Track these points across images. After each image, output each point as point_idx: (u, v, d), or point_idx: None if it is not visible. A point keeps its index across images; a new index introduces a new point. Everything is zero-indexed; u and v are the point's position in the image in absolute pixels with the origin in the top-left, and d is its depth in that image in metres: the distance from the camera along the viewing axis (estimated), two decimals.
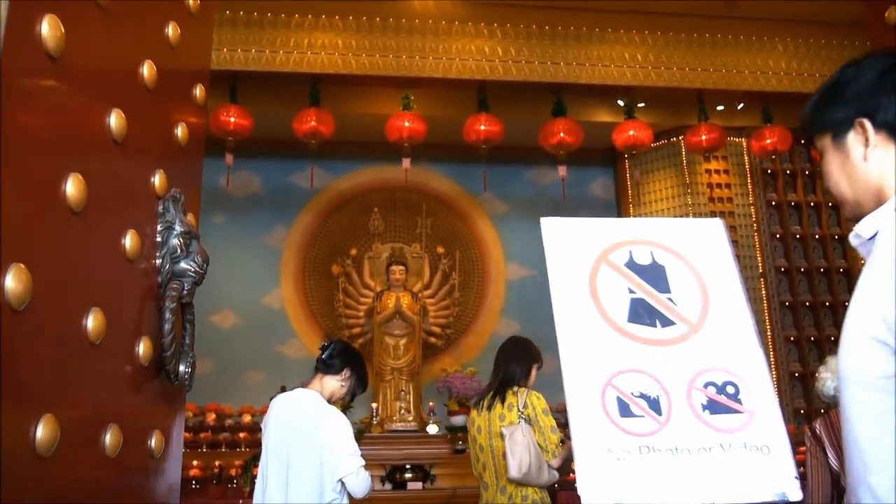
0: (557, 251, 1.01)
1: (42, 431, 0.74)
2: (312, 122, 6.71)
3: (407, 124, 6.79)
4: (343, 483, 3.00)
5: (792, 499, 0.89)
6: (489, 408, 3.28)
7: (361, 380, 3.28)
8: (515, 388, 3.27)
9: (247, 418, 7.00)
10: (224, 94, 6.83)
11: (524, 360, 3.37)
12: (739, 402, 0.94)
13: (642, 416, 0.91)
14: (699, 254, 1.06)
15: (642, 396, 0.92)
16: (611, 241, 1.04)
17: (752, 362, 0.98)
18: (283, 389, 7.24)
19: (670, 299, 1.01)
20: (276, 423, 3.13)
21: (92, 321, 0.87)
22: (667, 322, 0.99)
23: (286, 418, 3.15)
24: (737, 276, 1.05)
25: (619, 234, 1.05)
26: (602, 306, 0.98)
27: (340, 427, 3.07)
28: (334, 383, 3.21)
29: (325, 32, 6.90)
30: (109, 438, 0.93)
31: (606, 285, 1.00)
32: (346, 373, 3.22)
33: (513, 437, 3.07)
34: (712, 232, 1.09)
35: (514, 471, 3.00)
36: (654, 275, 1.03)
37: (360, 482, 3.01)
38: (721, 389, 0.94)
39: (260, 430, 6.79)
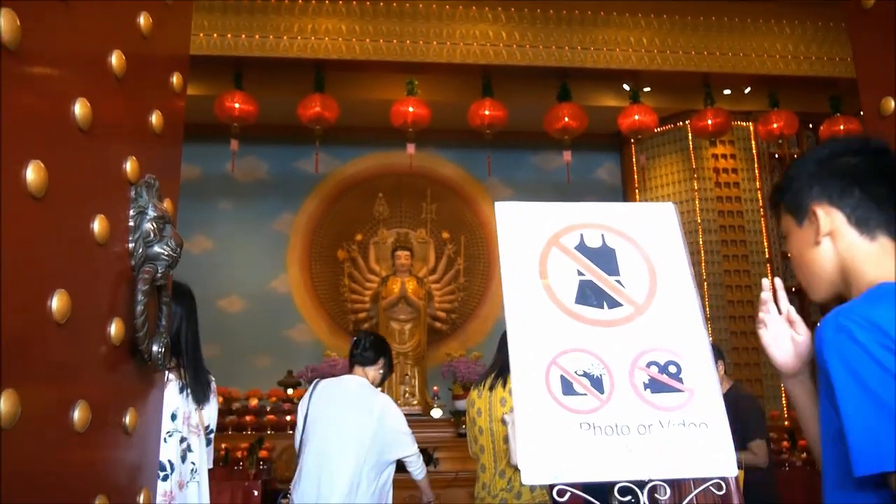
0: (509, 234, 1.04)
1: (3, 405, 0.78)
2: (317, 108, 6.74)
3: (411, 109, 6.81)
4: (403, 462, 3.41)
5: (728, 475, 0.92)
6: (490, 388, 3.29)
7: (390, 365, 3.64)
8: None
9: (253, 402, 7.08)
10: (229, 80, 6.86)
11: None
12: (681, 381, 0.97)
13: (584, 394, 0.93)
14: (650, 237, 1.09)
15: (585, 375, 0.95)
16: (563, 225, 1.07)
17: (695, 343, 1.00)
18: (290, 374, 7.38)
19: (619, 281, 1.04)
20: (323, 401, 3.35)
21: (56, 302, 0.90)
22: (614, 303, 1.01)
23: (334, 396, 3.37)
24: (685, 259, 1.07)
25: (571, 218, 1.08)
26: (551, 288, 1.01)
27: (398, 411, 3.44)
28: (373, 373, 3.49)
29: (329, 18, 6.90)
30: (77, 414, 0.97)
31: (556, 267, 1.02)
32: (381, 362, 3.53)
33: (515, 423, 3.09)
34: (664, 216, 1.11)
35: (517, 457, 3.02)
36: (604, 257, 1.05)
37: (422, 463, 3.51)
38: (663, 369, 0.97)
39: (266, 412, 6.87)
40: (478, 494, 3.24)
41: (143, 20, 1.22)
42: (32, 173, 0.84)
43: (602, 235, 1.08)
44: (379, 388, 3.56)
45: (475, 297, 8.39)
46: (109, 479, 1.11)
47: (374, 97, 7.49)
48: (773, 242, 8.13)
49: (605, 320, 1.00)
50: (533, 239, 1.05)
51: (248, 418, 6.82)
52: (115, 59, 1.10)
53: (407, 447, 3.40)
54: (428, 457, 6.32)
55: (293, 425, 6.89)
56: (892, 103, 1.62)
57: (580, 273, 1.04)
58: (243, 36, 6.78)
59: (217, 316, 7.62)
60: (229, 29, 6.73)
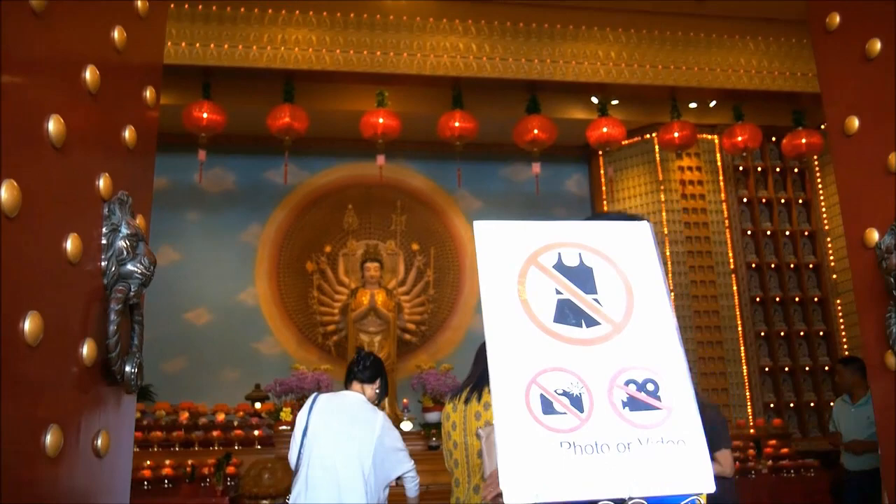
0: (488, 253, 1.04)
1: None
2: (286, 119, 6.72)
3: (381, 121, 6.82)
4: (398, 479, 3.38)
5: (706, 491, 0.93)
6: (466, 401, 3.26)
7: (386, 388, 3.65)
8: None
9: (220, 416, 6.98)
10: (197, 89, 6.81)
11: None
12: (658, 398, 0.98)
13: (564, 413, 0.94)
14: (626, 256, 1.10)
15: (565, 394, 0.95)
16: (541, 244, 1.07)
17: (671, 361, 1.01)
18: (258, 387, 7.29)
19: (596, 300, 1.05)
20: (326, 414, 3.34)
21: (29, 324, 0.89)
22: (592, 322, 1.02)
23: (337, 410, 3.35)
24: (661, 277, 1.09)
25: (549, 237, 1.09)
26: (529, 307, 1.01)
27: (393, 428, 3.42)
28: (370, 391, 3.49)
29: (299, 28, 6.89)
30: (50, 438, 0.95)
31: (535, 286, 1.03)
32: (378, 381, 3.53)
33: (489, 437, 3.05)
34: (639, 234, 1.12)
35: (489, 472, 3.00)
36: (582, 276, 1.06)
37: (416, 481, 3.51)
38: (641, 387, 0.98)
39: (234, 427, 6.77)
40: None
41: (117, 34, 1.20)
42: (6, 192, 0.82)
43: (579, 254, 1.09)
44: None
45: (445, 309, 8.39)
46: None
47: (344, 108, 7.48)
48: (737, 253, 8.26)
49: (583, 339, 1.01)
50: (511, 258, 1.06)
51: (214, 433, 6.71)
52: (90, 73, 1.09)
53: (406, 463, 3.41)
54: None
55: (261, 440, 6.84)
56: (856, 122, 1.66)
57: (558, 292, 1.04)
58: (212, 45, 6.74)
59: (184, 329, 7.52)
60: (198, 38, 6.68)
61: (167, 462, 6.14)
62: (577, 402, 0.92)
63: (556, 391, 0.92)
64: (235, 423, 6.93)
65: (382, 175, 7.48)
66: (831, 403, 8.12)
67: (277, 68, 6.82)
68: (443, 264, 8.45)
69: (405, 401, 7.21)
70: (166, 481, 6.01)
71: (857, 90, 1.65)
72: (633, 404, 0.93)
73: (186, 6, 6.66)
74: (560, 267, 1.04)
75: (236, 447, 6.64)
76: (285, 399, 6.94)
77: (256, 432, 6.77)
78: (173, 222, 7.92)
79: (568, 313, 0.99)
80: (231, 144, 7.97)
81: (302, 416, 3.40)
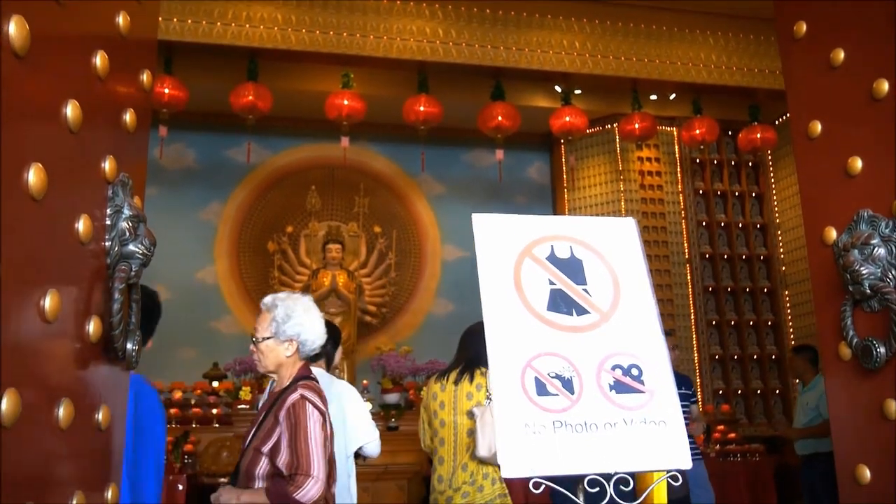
0: (486, 245, 1.11)
1: (6, 405, 0.80)
2: (250, 97, 6.66)
3: (346, 102, 6.80)
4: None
5: (683, 468, 1.02)
6: (456, 382, 3.30)
7: (337, 344, 3.44)
8: (484, 370, 3.31)
9: (177, 394, 6.95)
10: (159, 64, 6.69)
11: None
12: (642, 382, 1.06)
13: (557, 395, 1.01)
14: (613, 250, 1.18)
15: (557, 377, 1.03)
16: (535, 237, 1.14)
17: (654, 348, 1.09)
18: (216, 366, 7.27)
19: (586, 290, 1.12)
20: None
21: (49, 301, 0.92)
22: (582, 311, 1.10)
23: None
24: (645, 270, 1.17)
25: (542, 230, 1.16)
26: (524, 296, 1.08)
27: (358, 397, 3.34)
28: (323, 363, 3.33)
29: (265, 6, 6.82)
30: (62, 412, 0.99)
31: (529, 277, 1.10)
32: (328, 348, 3.29)
33: (483, 417, 3.11)
34: (626, 230, 1.20)
35: (483, 450, 3.04)
36: (573, 268, 1.13)
37: (378, 447, 3.34)
38: (626, 371, 1.06)
39: (191, 405, 6.73)
40: (435, 487, 3.25)
41: (121, 19, 1.23)
42: (35, 176, 0.85)
43: (570, 247, 1.16)
44: (332, 370, 3.51)
45: (406, 292, 8.45)
46: (85, 476, 1.13)
47: (309, 88, 7.45)
48: (692, 244, 8.48)
49: (574, 326, 1.08)
50: (508, 249, 1.13)
51: (172, 411, 6.68)
52: (100, 59, 1.11)
53: (371, 431, 3.29)
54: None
55: (219, 419, 6.83)
56: (819, 126, 1.77)
57: (551, 282, 1.12)
58: (175, 20, 6.63)
59: None
60: (161, 12, 6.52)
61: None
62: (568, 384, 1.00)
63: (549, 374, 0.99)
64: (193, 402, 6.91)
65: (346, 157, 7.48)
66: (776, 391, 8.47)
67: (242, 46, 6.74)
68: (404, 247, 8.50)
69: (365, 382, 7.27)
70: None
71: (821, 96, 1.75)
72: (619, 387, 1.02)
73: None
74: (553, 259, 1.11)
75: (194, 425, 6.62)
76: (244, 378, 6.94)
77: (215, 411, 6.76)
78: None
79: (560, 302, 1.07)
80: (192, 121, 7.86)
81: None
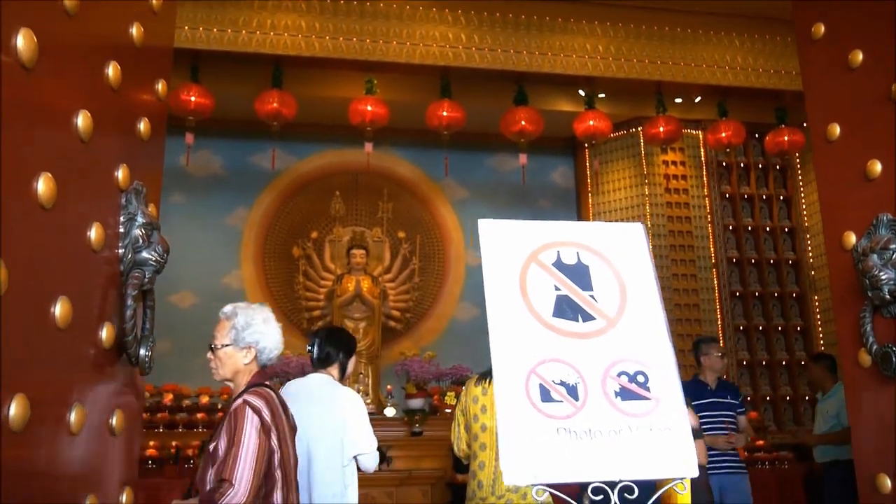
0: (492, 251, 1.11)
1: (14, 409, 0.81)
2: (275, 104, 6.72)
3: (370, 108, 6.84)
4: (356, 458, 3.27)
5: (689, 476, 1.00)
6: None
7: (344, 366, 3.53)
8: None
9: (204, 399, 7.02)
10: (185, 72, 6.78)
11: None
12: (648, 389, 1.05)
13: (561, 401, 1.01)
14: (621, 255, 1.17)
15: (562, 384, 1.03)
16: (541, 242, 1.14)
17: (661, 355, 1.09)
18: None
19: (592, 296, 1.12)
20: (292, 401, 3.30)
21: (60, 308, 0.94)
22: (588, 317, 1.09)
23: (302, 395, 3.29)
24: (653, 276, 1.16)
25: (549, 236, 1.16)
26: (530, 302, 1.08)
27: (361, 407, 3.34)
28: (335, 371, 3.43)
29: (289, 14, 6.88)
30: (74, 417, 1.01)
31: (535, 282, 1.10)
32: (341, 357, 3.47)
33: (498, 428, 3.04)
34: (633, 236, 1.19)
35: None
36: (579, 274, 1.13)
37: (373, 461, 3.35)
38: (632, 378, 1.05)
39: (217, 409, 6.81)
40: (474, 493, 3.10)
41: (135, 31, 1.25)
42: (43, 185, 0.87)
43: (577, 253, 1.16)
44: (346, 379, 3.53)
45: (430, 297, 8.45)
46: (98, 480, 1.14)
47: (333, 95, 7.50)
48: (719, 248, 8.38)
49: (579, 332, 1.08)
50: (514, 255, 1.12)
51: (199, 416, 6.77)
52: (112, 70, 1.13)
53: (366, 442, 3.27)
54: (382, 455, 6.35)
55: None
56: (837, 129, 1.74)
57: (557, 288, 1.11)
58: (201, 29, 6.72)
59: (168, 311, 7.52)
60: (187, 21, 6.66)
61: (151, 443, 6.19)
62: (573, 391, 0.99)
63: (553, 381, 0.99)
64: (219, 406, 6.97)
65: (370, 162, 7.52)
66: (806, 397, 8.33)
67: (266, 53, 6.81)
68: (428, 252, 8.51)
69: (389, 387, 7.28)
70: (150, 462, 6.05)
71: (840, 98, 1.72)
72: (624, 394, 1.01)
73: None
74: (559, 265, 1.11)
75: None
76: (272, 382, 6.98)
77: None
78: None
79: (566, 308, 1.06)
80: (218, 128, 7.95)
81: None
